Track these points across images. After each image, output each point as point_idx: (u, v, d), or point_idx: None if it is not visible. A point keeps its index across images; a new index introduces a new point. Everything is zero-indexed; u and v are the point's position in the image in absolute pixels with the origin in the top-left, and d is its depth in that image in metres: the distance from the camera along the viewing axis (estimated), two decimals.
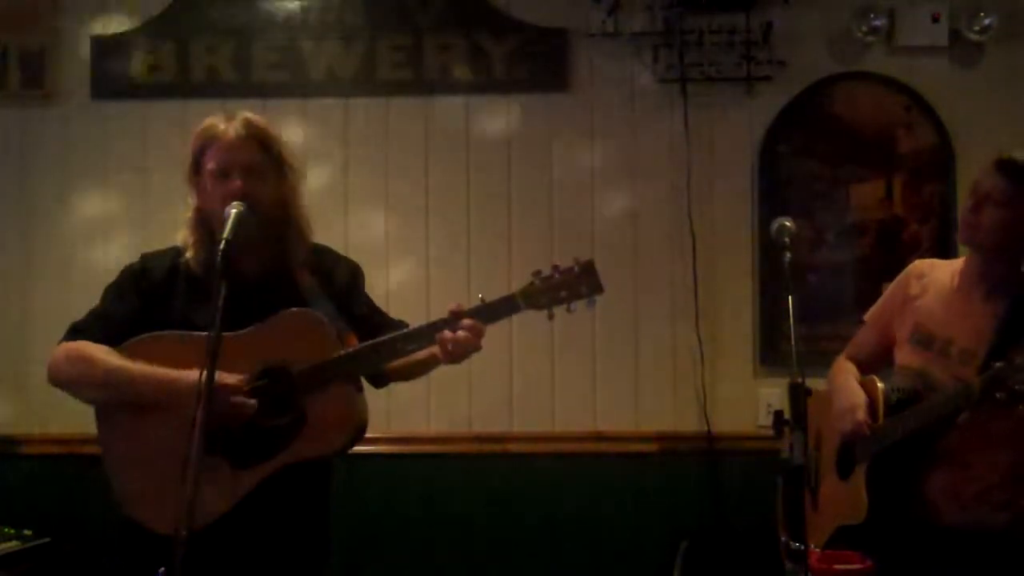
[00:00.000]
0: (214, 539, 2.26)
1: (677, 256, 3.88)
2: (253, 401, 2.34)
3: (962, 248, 2.79)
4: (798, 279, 3.69)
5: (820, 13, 3.90)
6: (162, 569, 2.04)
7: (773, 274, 3.80)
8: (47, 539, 3.74)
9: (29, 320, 3.95)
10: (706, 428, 3.84)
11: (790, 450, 2.30)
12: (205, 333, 2.16)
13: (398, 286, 3.84)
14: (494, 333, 2.45)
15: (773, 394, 3.75)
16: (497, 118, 3.96)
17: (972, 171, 2.76)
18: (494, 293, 3.49)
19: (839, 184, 3.88)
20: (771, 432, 2.48)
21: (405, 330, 2.46)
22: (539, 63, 3.93)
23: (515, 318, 2.45)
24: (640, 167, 3.93)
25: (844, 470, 2.72)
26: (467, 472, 3.89)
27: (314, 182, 3.56)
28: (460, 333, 2.35)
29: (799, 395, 2.30)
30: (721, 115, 3.91)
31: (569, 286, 2.37)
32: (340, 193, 3.94)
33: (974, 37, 3.81)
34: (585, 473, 3.88)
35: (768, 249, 3.75)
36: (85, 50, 4.00)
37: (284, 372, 2.40)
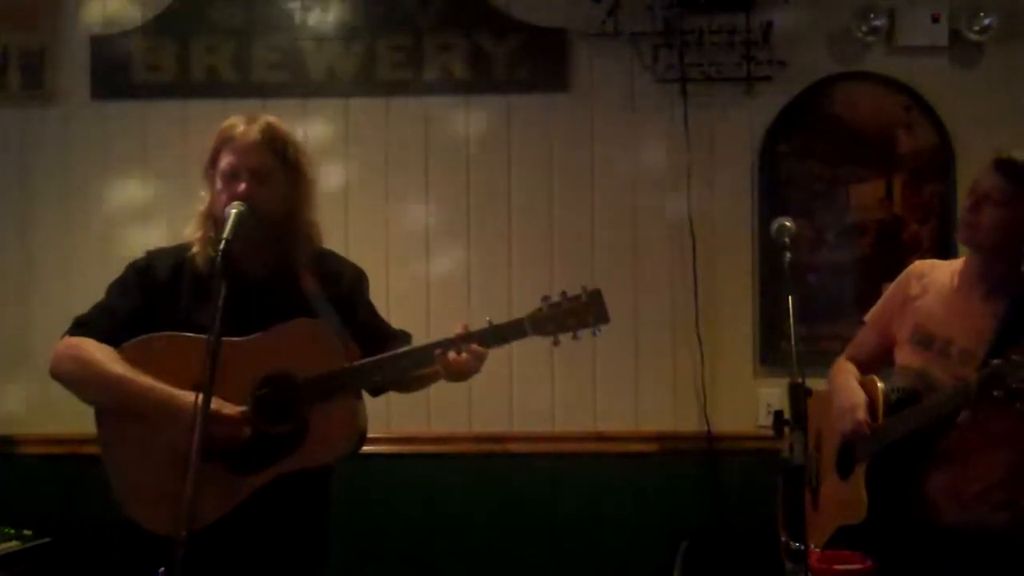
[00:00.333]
0: (213, 540, 2.27)
1: (677, 256, 3.88)
2: (248, 431, 2.36)
3: (962, 248, 2.79)
4: (798, 279, 3.69)
5: (820, 13, 3.90)
6: (162, 569, 2.05)
7: (773, 274, 3.80)
8: (47, 539, 3.74)
9: (29, 320, 3.95)
10: (706, 428, 3.84)
11: (790, 450, 2.30)
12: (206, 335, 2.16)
13: (398, 286, 3.83)
14: None
15: (773, 394, 3.75)
16: (497, 118, 3.96)
17: (972, 171, 2.76)
18: (493, 293, 3.48)
19: (839, 184, 3.88)
20: (771, 432, 2.48)
21: (411, 348, 2.49)
22: (539, 63, 3.93)
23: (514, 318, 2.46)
24: (640, 167, 3.93)
25: (844, 470, 2.72)
26: (467, 472, 3.89)
27: None
28: (464, 356, 2.37)
29: (799, 395, 2.30)
30: (721, 115, 3.90)
31: (576, 314, 2.42)
32: (340, 193, 3.93)
33: (974, 37, 3.81)
34: (585, 473, 3.88)
35: (768, 249, 3.75)
36: (85, 50, 4.00)
37: (288, 380, 2.40)
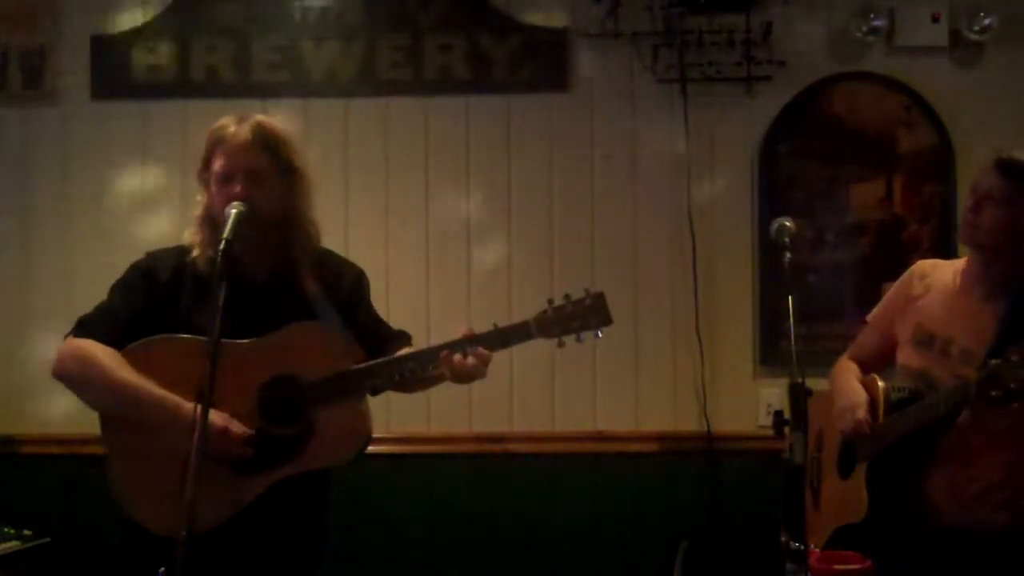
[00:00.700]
0: (212, 540, 2.26)
1: (677, 256, 3.88)
2: (250, 450, 2.36)
3: (962, 248, 2.79)
4: (798, 279, 3.69)
5: (820, 13, 3.89)
6: (162, 569, 2.05)
7: (773, 274, 3.80)
8: (47, 539, 3.74)
9: (29, 320, 3.95)
10: (706, 428, 3.84)
11: (790, 450, 2.30)
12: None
13: (398, 286, 3.83)
14: None
15: (773, 394, 3.75)
16: (497, 118, 3.96)
17: (972, 171, 2.76)
18: (493, 292, 3.48)
19: (839, 184, 3.88)
20: (771, 432, 2.48)
21: (416, 350, 2.49)
22: (539, 63, 3.93)
23: (515, 318, 2.47)
24: (640, 167, 3.93)
25: (845, 469, 2.72)
26: (467, 472, 3.89)
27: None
28: (470, 360, 2.38)
29: (799, 395, 2.30)
30: (721, 115, 3.90)
31: (580, 317, 2.43)
32: (340, 193, 3.93)
33: (974, 37, 3.81)
34: (585, 473, 3.88)
35: (768, 249, 3.74)
36: (85, 50, 3.99)
37: (294, 383, 2.40)
